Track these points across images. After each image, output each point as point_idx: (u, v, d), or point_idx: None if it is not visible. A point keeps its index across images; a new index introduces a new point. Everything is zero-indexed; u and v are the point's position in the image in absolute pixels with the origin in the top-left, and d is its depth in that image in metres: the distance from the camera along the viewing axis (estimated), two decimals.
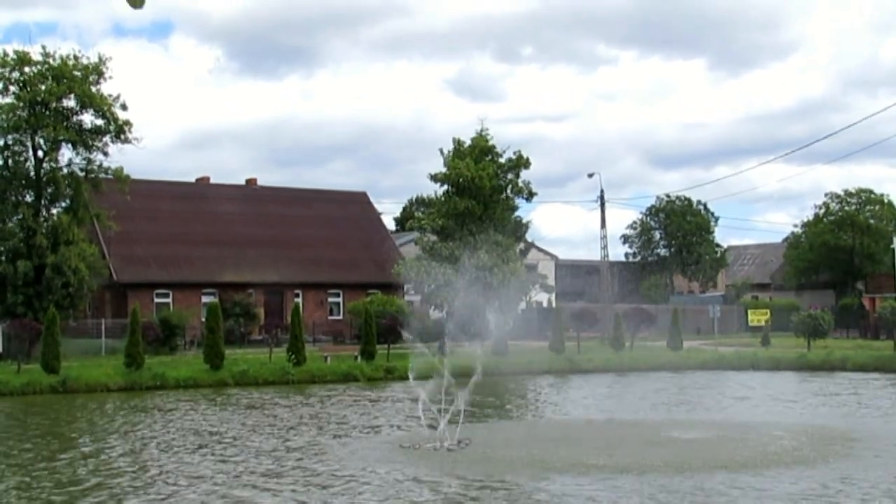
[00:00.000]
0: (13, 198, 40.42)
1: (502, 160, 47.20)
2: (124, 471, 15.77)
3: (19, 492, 14.03)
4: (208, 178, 57.52)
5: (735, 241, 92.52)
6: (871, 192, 71.51)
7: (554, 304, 55.74)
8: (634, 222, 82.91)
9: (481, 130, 47.51)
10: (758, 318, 58.37)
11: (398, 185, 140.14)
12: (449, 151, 47.18)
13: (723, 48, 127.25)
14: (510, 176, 47.37)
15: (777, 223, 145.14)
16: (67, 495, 13.80)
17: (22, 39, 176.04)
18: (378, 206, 62.20)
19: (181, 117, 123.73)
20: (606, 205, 51.09)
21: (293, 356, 34.12)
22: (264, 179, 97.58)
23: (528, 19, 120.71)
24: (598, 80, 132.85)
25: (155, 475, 15.28)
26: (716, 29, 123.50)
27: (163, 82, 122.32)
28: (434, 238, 47.05)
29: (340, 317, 52.51)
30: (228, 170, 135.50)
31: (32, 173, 40.48)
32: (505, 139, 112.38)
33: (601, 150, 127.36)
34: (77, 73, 39.75)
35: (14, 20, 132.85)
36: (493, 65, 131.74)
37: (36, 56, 39.81)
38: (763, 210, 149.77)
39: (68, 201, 41.09)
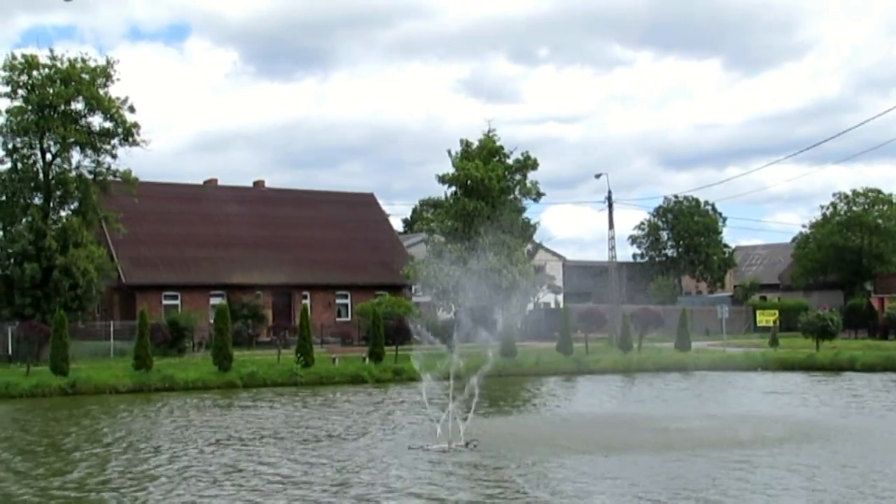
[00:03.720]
0: (22, 200, 40.57)
1: (510, 161, 47.21)
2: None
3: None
4: (216, 180, 57.68)
5: (745, 242, 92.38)
6: (879, 191, 71.27)
7: (562, 305, 55.66)
8: (642, 223, 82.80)
9: (489, 131, 47.57)
10: (766, 318, 58.26)
11: (411, 187, 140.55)
12: (457, 153, 47.23)
13: (738, 49, 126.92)
14: (518, 177, 47.40)
15: (787, 223, 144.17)
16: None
17: (40, 43, 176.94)
18: (390, 209, 62.66)
19: (196, 120, 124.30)
20: (616, 206, 51.06)
21: (301, 358, 34.16)
22: (277, 181, 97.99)
23: (543, 20, 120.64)
24: (614, 81, 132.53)
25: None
26: (731, 29, 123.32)
27: (179, 85, 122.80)
28: (442, 239, 47.07)
29: (348, 318, 52.56)
30: (241, 172, 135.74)
31: (41, 176, 40.67)
32: (517, 140, 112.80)
33: (613, 152, 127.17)
34: (85, 76, 39.89)
35: (32, 24, 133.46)
36: (508, 66, 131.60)
37: (44, 59, 39.97)
38: (773, 210, 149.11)
39: (77, 204, 41.26)
